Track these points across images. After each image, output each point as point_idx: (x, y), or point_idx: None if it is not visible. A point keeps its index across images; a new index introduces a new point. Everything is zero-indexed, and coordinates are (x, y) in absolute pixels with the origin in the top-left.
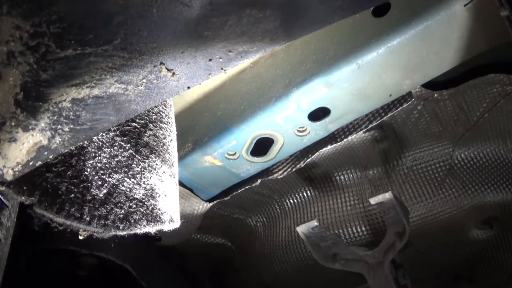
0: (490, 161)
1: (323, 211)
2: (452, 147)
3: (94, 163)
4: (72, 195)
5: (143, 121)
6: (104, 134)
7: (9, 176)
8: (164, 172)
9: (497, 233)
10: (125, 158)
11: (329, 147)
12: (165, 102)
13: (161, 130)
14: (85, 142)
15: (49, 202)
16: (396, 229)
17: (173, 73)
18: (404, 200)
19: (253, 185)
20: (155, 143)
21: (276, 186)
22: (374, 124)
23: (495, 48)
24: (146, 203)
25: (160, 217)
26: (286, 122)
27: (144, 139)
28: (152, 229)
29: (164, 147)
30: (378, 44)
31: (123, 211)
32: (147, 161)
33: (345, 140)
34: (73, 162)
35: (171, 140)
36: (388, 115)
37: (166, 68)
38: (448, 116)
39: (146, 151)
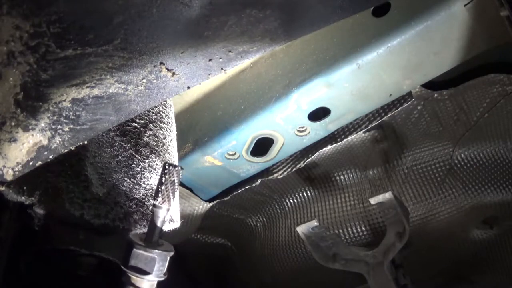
0: (490, 161)
1: (323, 211)
2: (452, 147)
3: (94, 163)
4: (72, 195)
5: (143, 121)
6: (104, 134)
7: (9, 176)
8: None
9: (497, 233)
10: (125, 158)
11: (329, 147)
12: (165, 102)
13: (161, 130)
14: (85, 142)
15: (49, 201)
16: (396, 229)
17: (173, 73)
18: (404, 200)
19: (253, 185)
20: (155, 143)
21: (276, 186)
22: (374, 124)
23: (495, 48)
24: (146, 203)
25: None
26: (286, 122)
27: (144, 139)
28: None
29: (164, 147)
30: (378, 44)
31: (123, 211)
32: (147, 161)
33: (345, 140)
34: (73, 162)
35: (171, 140)
36: (388, 115)
37: (166, 68)
38: (448, 116)
39: (146, 151)
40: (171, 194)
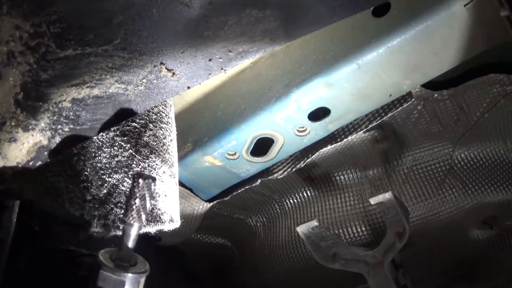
0: (490, 161)
1: (323, 211)
2: (452, 147)
3: (94, 163)
4: (72, 194)
5: (143, 121)
6: (104, 134)
7: (9, 176)
8: (164, 172)
9: (497, 233)
10: (125, 158)
11: (329, 147)
12: (165, 102)
13: (161, 130)
14: (85, 142)
15: (49, 201)
16: (396, 229)
17: (173, 73)
18: (404, 200)
19: (253, 185)
20: (155, 143)
21: (276, 186)
22: (374, 124)
23: (495, 48)
24: None
25: (160, 217)
26: (286, 122)
27: (144, 139)
28: (152, 229)
29: (164, 147)
30: (378, 44)
31: (123, 211)
32: (147, 161)
33: (345, 140)
34: (73, 162)
35: (171, 140)
36: (388, 115)
37: (166, 68)
38: (448, 116)
39: (146, 151)
40: (142, 211)
